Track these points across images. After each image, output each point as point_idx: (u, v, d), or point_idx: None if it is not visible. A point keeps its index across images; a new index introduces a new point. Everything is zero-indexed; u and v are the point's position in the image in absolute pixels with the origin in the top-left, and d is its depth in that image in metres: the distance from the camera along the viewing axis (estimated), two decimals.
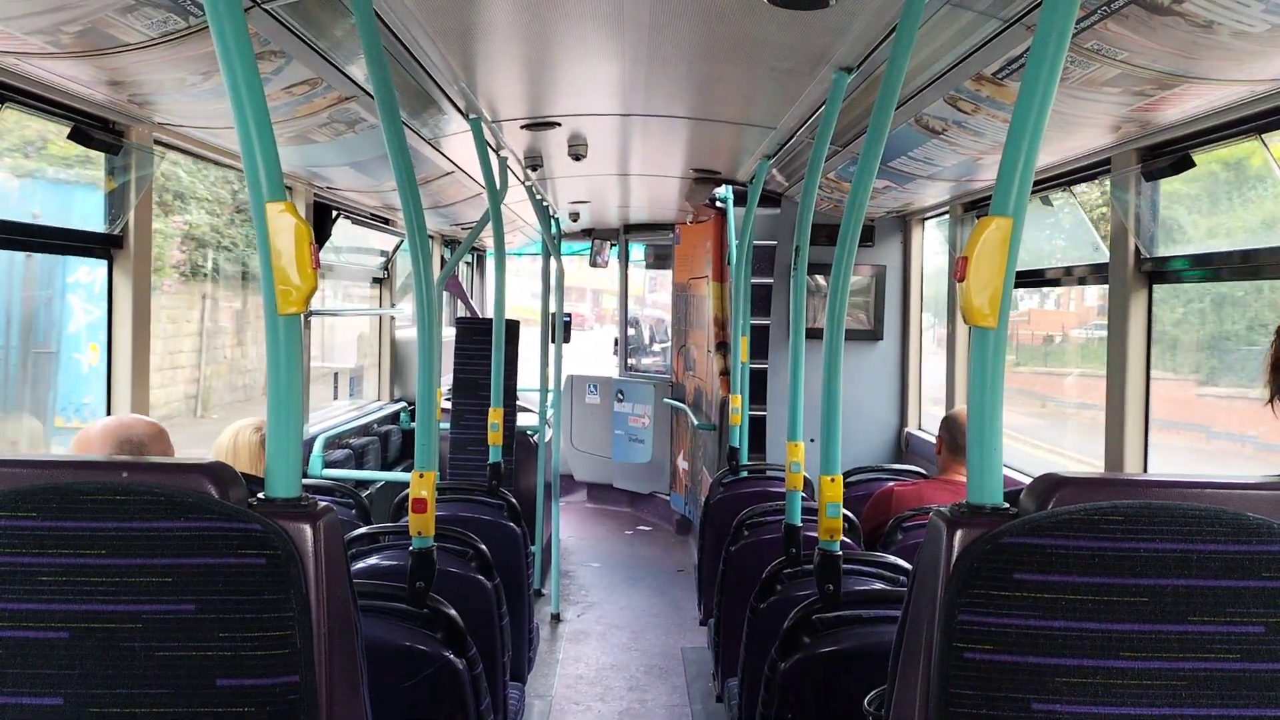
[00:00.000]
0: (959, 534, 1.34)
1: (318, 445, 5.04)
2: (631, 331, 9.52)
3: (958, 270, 1.41)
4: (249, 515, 1.23)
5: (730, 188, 5.71)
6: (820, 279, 5.65)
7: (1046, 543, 1.27)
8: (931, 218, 5.50)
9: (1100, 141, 3.09)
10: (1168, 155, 2.96)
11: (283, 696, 1.20)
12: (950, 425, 3.56)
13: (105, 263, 3.13)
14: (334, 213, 5.19)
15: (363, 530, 3.03)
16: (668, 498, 8.54)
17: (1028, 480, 1.48)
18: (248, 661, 1.20)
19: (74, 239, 3.09)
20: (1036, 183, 3.63)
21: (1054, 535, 1.27)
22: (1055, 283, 4.22)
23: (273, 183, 1.38)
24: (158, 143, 3.19)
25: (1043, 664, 1.25)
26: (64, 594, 1.19)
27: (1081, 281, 3.95)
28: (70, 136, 2.80)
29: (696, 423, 7.08)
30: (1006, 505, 1.41)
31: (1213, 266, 3.04)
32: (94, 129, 2.87)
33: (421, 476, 2.38)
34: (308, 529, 1.29)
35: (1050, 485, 1.39)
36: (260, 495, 1.37)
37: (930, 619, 1.35)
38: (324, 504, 1.36)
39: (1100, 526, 1.26)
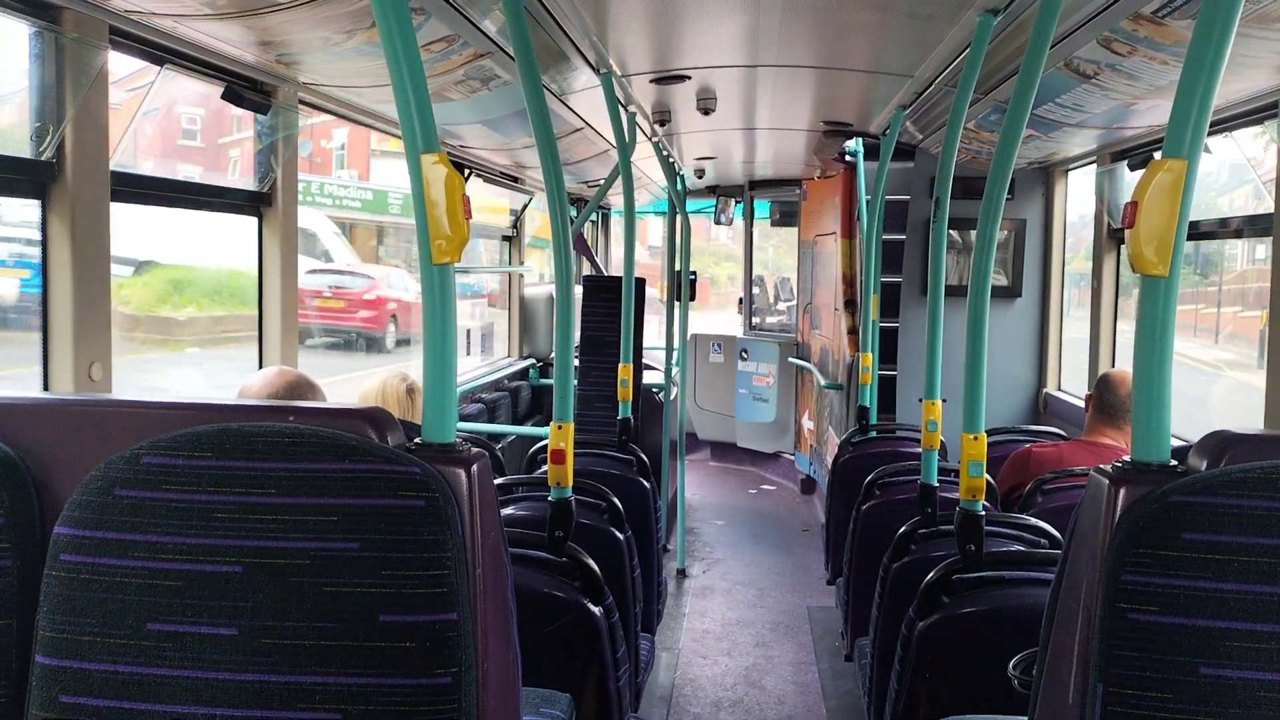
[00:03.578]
0: (1123, 492, 1.29)
1: None
2: (756, 290, 9.44)
3: (1126, 216, 1.35)
4: (409, 459, 1.26)
5: (861, 140, 5.57)
6: (954, 234, 5.48)
7: (1219, 502, 1.21)
8: (1076, 168, 5.27)
9: (1268, 83, 2.90)
10: None
11: (442, 633, 1.24)
12: (1104, 385, 3.42)
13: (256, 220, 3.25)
14: (465, 171, 5.28)
15: (499, 481, 3.10)
16: (792, 457, 8.49)
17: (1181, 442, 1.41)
18: (409, 598, 1.24)
19: (227, 197, 3.22)
20: None
21: (1227, 494, 1.21)
22: (1211, 235, 4.00)
23: (427, 134, 1.41)
24: (302, 103, 3.29)
25: (1212, 627, 1.20)
26: (238, 530, 1.25)
27: (1237, 234, 3.73)
28: (223, 96, 2.91)
29: (823, 382, 6.99)
30: (1174, 463, 1.35)
31: None
32: (244, 89, 2.97)
33: (560, 428, 2.42)
34: (463, 474, 1.32)
35: (1222, 443, 1.32)
36: (417, 440, 1.41)
37: (1090, 579, 1.30)
38: (477, 450, 1.39)
39: (1278, 485, 1.20)
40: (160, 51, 2.62)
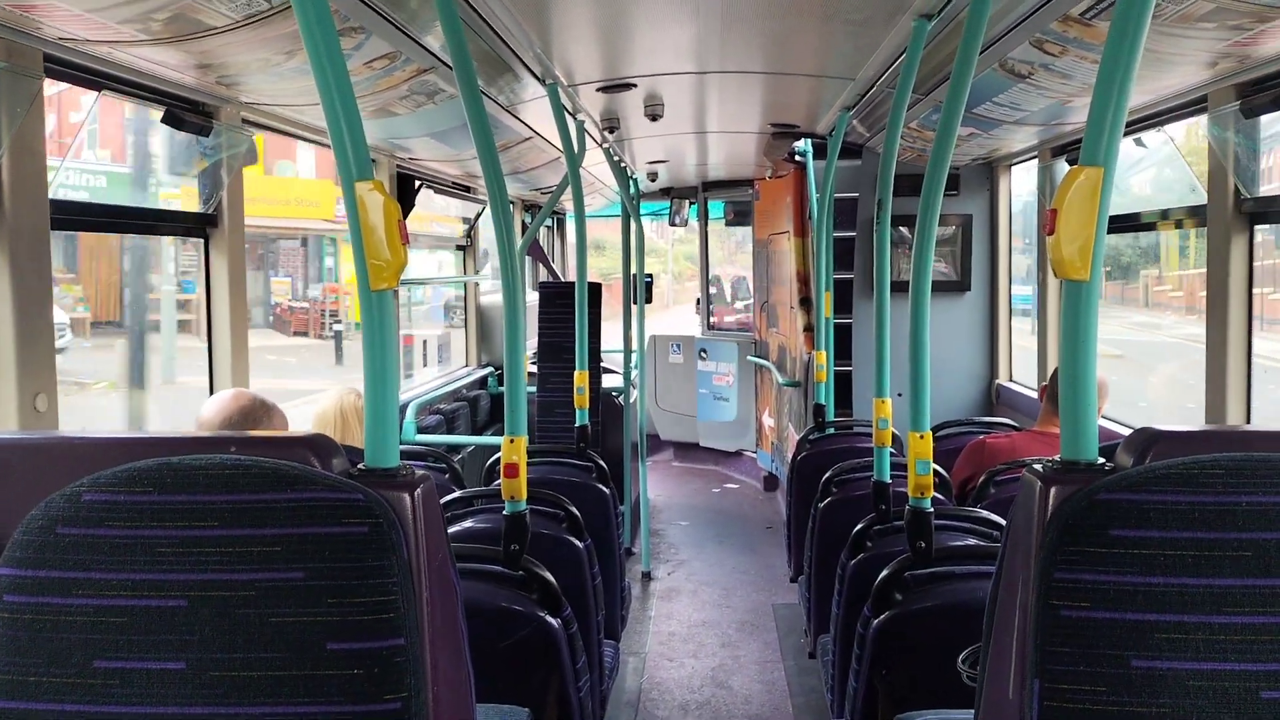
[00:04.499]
0: (1053, 491, 1.33)
1: (410, 411, 5.16)
2: (713, 290, 9.49)
3: (1047, 224, 1.38)
4: (351, 486, 1.27)
5: (809, 141, 5.63)
6: (905, 230, 5.56)
7: (1144, 498, 1.24)
8: (1019, 163, 5.36)
9: (1196, 78, 2.98)
10: (1269, 90, 2.84)
11: (389, 659, 1.25)
12: (1058, 378, 3.51)
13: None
14: (417, 183, 5.26)
15: (456, 494, 3.11)
16: (754, 455, 8.55)
17: (1127, 434, 1.45)
18: (355, 626, 1.25)
19: (172, 219, 3.19)
20: (1127, 124, 3.51)
21: (1151, 490, 1.24)
22: (1150, 227, 4.08)
23: (361, 163, 1.42)
24: (246, 122, 3.27)
25: (1142, 620, 1.23)
26: (181, 564, 1.25)
27: (1178, 225, 3.81)
28: (164, 120, 2.89)
29: (781, 380, 7.05)
30: (1102, 461, 1.39)
31: None
32: (185, 112, 2.96)
33: (512, 442, 2.43)
34: (407, 498, 1.33)
35: (1147, 439, 1.36)
36: (360, 466, 1.42)
37: (1025, 577, 1.34)
38: (421, 472, 1.40)
39: (1200, 480, 1.23)
40: (97, 77, 2.59)
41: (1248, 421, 3.14)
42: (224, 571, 1.25)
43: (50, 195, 2.43)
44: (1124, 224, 4.16)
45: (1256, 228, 3.10)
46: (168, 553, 1.25)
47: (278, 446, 1.35)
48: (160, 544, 1.25)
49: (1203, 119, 3.16)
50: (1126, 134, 3.70)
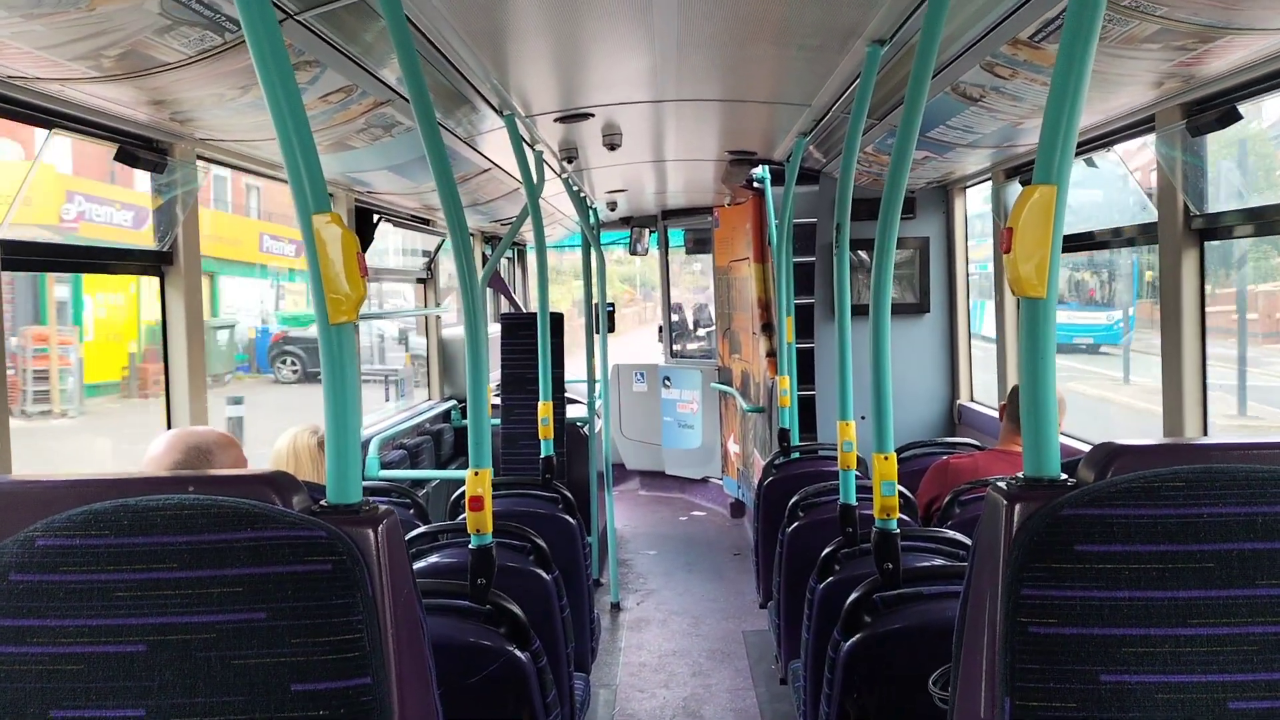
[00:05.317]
0: (1018, 508, 1.33)
1: (373, 447, 5.10)
2: (675, 318, 9.51)
3: (1003, 242, 1.40)
4: (313, 523, 1.25)
5: (767, 167, 5.68)
6: (863, 254, 5.61)
7: (1106, 513, 1.25)
8: (973, 186, 5.43)
9: (1143, 98, 3.03)
10: (1214, 109, 2.90)
11: (355, 698, 1.23)
12: (1015, 395, 3.54)
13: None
14: (375, 217, 5.24)
15: (422, 530, 3.07)
16: (720, 482, 8.54)
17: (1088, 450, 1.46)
18: (320, 665, 1.22)
19: (127, 258, 3.15)
20: (1078, 145, 3.58)
21: (1113, 505, 1.25)
22: (1105, 245, 4.15)
23: (318, 195, 1.40)
24: (200, 158, 3.24)
25: (1109, 635, 1.24)
26: (140, 608, 1.22)
27: (1130, 243, 3.88)
28: (116, 158, 2.85)
29: (746, 406, 7.06)
30: (1064, 477, 1.39)
31: (1267, 220, 2.98)
32: (139, 149, 2.92)
33: (477, 475, 2.41)
34: (370, 534, 1.31)
35: (1108, 455, 1.37)
36: (322, 502, 1.40)
37: (992, 595, 1.34)
38: (385, 507, 1.39)
39: (1160, 494, 1.25)
40: (47, 115, 2.56)
41: (1205, 433, 3.18)
42: (184, 614, 1.22)
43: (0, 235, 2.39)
44: (1079, 242, 4.22)
45: None
46: (126, 597, 1.22)
47: (237, 485, 1.32)
48: (118, 588, 1.22)
49: (1152, 138, 3.22)
50: (1078, 154, 3.77)
